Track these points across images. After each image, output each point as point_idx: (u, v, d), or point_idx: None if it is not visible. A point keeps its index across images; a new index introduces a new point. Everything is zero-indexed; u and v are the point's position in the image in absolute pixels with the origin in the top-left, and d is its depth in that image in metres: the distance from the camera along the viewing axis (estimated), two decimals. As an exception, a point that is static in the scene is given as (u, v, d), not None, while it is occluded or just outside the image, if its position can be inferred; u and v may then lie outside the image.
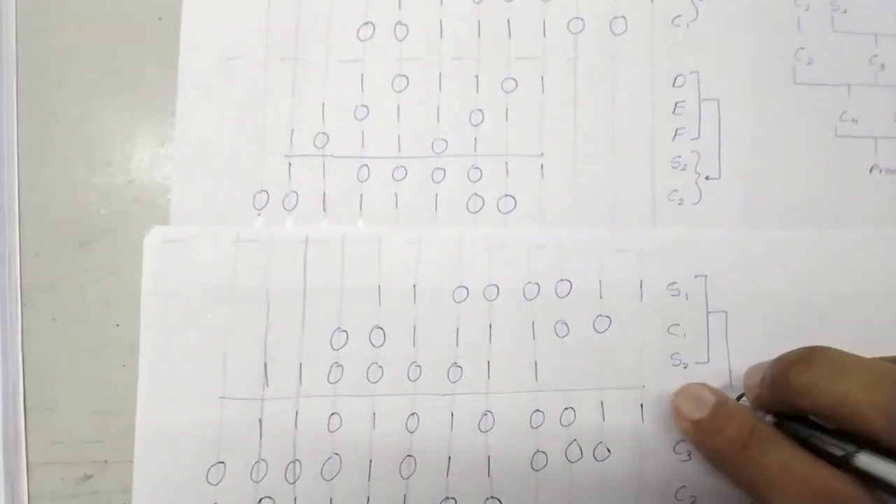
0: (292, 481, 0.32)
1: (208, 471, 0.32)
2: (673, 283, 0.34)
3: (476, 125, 0.35)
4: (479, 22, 0.35)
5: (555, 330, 0.33)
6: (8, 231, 0.33)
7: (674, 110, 0.35)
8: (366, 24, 0.35)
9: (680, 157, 0.35)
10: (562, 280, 0.34)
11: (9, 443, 0.32)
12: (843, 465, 0.26)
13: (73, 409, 0.33)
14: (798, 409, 0.28)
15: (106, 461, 0.32)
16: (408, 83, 0.35)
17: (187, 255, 0.33)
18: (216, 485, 0.32)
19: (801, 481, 0.26)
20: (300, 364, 0.33)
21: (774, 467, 0.27)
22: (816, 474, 0.26)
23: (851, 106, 0.36)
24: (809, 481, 0.26)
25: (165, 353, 0.32)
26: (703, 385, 0.32)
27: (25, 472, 0.32)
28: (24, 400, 0.32)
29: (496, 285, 0.33)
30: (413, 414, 0.33)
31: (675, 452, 0.33)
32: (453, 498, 0.32)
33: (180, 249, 0.33)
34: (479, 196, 0.34)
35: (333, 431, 0.32)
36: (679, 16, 0.36)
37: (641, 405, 0.33)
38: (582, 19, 0.35)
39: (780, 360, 0.29)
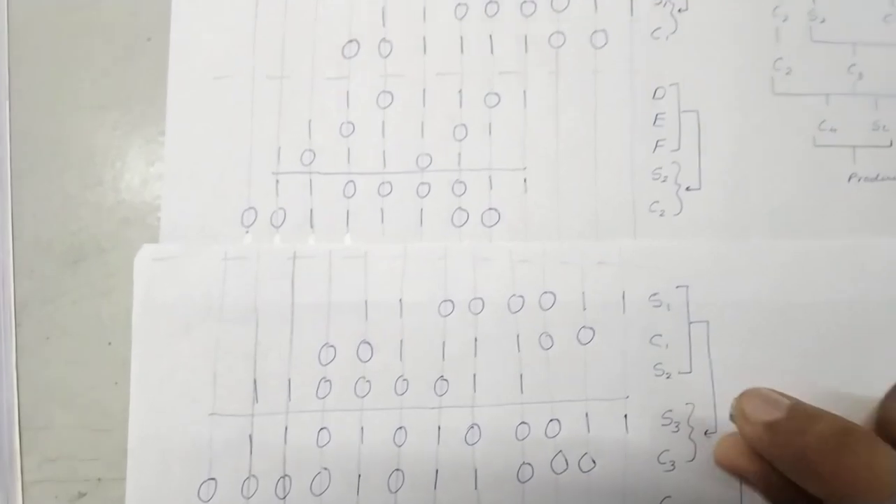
0: (282, 496, 0.30)
1: (200, 487, 0.30)
2: (655, 294, 0.32)
3: (460, 140, 0.33)
4: (461, 38, 0.34)
5: (539, 342, 0.32)
6: (1, 250, 0.32)
7: (654, 122, 0.34)
8: (350, 41, 0.33)
9: (661, 168, 0.33)
10: (546, 292, 0.32)
11: (3, 461, 0.30)
12: None
13: (67, 426, 0.31)
14: None
15: (100, 479, 0.31)
16: (392, 99, 0.33)
17: (177, 273, 0.31)
18: (208, 501, 0.30)
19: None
20: (289, 380, 0.31)
21: (884, 470, 0.22)
22: None
23: (830, 115, 0.34)
24: None
25: (156, 370, 0.31)
26: (772, 389, 0.29)
27: (20, 491, 0.31)
28: (19, 418, 0.31)
29: (481, 298, 0.32)
30: (400, 428, 0.31)
31: (659, 462, 0.31)
32: (441, 511, 0.31)
33: (170, 267, 0.31)
34: (464, 210, 0.33)
35: (322, 446, 0.31)
36: (658, 28, 0.34)
37: (626, 416, 0.32)
38: (563, 34, 0.34)
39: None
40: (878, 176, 0.34)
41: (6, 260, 0.32)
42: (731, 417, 0.30)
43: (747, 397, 0.29)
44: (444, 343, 0.32)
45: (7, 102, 0.33)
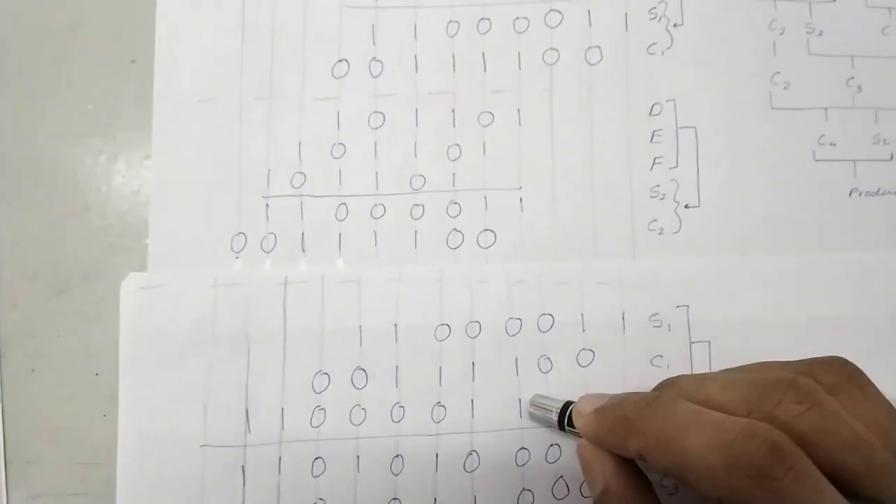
0: (276, 529, 0.30)
1: (191, 522, 0.29)
2: (655, 315, 0.32)
3: (454, 160, 0.32)
4: (453, 55, 0.33)
5: (538, 365, 0.31)
6: (-15, 280, 0.31)
7: (651, 139, 0.33)
8: (340, 61, 0.33)
9: (659, 186, 0.33)
10: (544, 314, 0.31)
11: (-11, 498, 0.29)
12: None
13: (55, 461, 0.30)
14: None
15: (88, 514, 0.30)
16: (384, 119, 0.33)
17: (165, 301, 0.31)
18: (199, 536, 0.29)
19: (720, 420, 0.23)
20: (282, 409, 0.30)
21: (687, 415, 0.24)
22: (732, 418, 0.23)
23: (829, 129, 0.34)
24: (727, 421, 0.23)
25: (145, 402, 0.30)
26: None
27: (7, 528, 0.30)
28: (4, 453, 0.30)
29: (478, 322, 0.31)
30: (397, 456, 0.30)
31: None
32: (440, 542, 0.30)
33: (158, 295, 0.31)
34: (459, 231, 0.32)
35: (317, 476, 0.30)
36: (654, 44, 0.34)
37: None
38: (556, 50, 0.33)
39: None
40: (879, 190, 0.33)
41: (-10, 289, 0.31)
42: (531, 416, 0.31)
43: (582, 399, 0.29)
44: (440, 368, 0.31)
45: (-10, 127, 0.32)
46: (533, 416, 0.31)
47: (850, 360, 0.26)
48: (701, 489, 0.23)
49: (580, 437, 0.28)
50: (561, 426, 0.29)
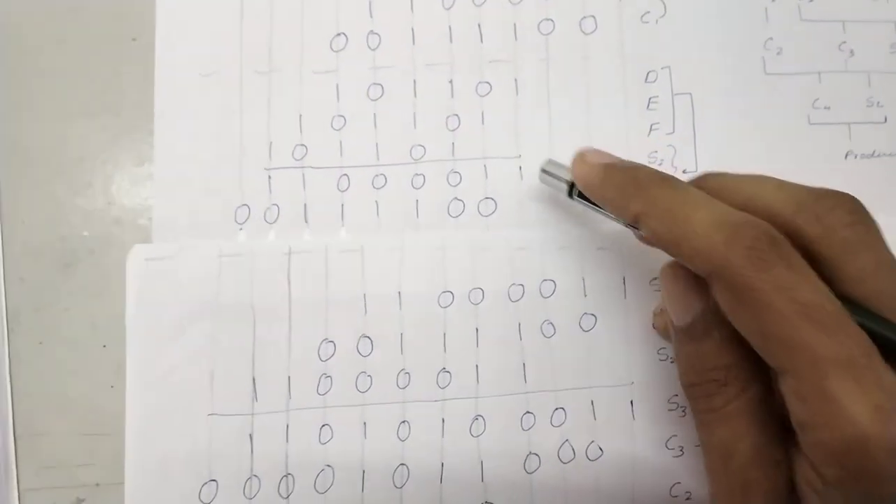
0: (286, 496, 0.30)
1: (200, 489, 0.29)
2: (655, 279, 0.32)
3: (453, 130, 0.32)
4: (450, 27, 0.33)
5: (541, 330, 0.31)
6: (-9, 257, 0.31)
7: (648, 106, 0.33)
8: (338, 34, 0.33)
9: (656, 151, 0.33)
10: (546, 280, 0.31)
11: (-1, 470, 0.29)
12: None
13: (63, 432, 0.30)
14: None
15: (98, 484, 0.30)
16: (383, 91, 0.33)
17: (170, 273, 0.31)
18: (209, 503, 0.29)
19: (726, 209, 0.23)
20: (288, 377, 0.30)
21: (698, 195, 0.24)
22: (739, 211, 0.23)
23: (823, 93, 0.34)
24: (735, 211, 0.23)
25: (152, 373, 0.30)
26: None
27: (17, 499, 0.30)
28: (13, 425, 0.30)
29: (481, 288, 0.31)
30: (404, 422, 0.30)
31: (667, 448, 0.31)
32: (448, 504, 0.30)
33: (163, 267, 0.31)
34: (460, 200, 0.32)
35: (325, 443, 0.30)
36: (648, 12, 0.34)
37: (631, 402, 0.31)
38: (552, 20, 0.33)
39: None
40: (874, 152, 0.33)
41: (-4, 266, 0.31)
42: (543, 175, 0.31)
43: (589, 148, 0.29)
44: (444, 335, 0.31)
45: (-7, 108, 0.32)
46: (543, 180, 0.30)
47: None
48: (692, 261, 0.23)
49: (588, 204, 0.29)
50: (570, 194, 0.29)
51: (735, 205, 0.24)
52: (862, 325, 0.21)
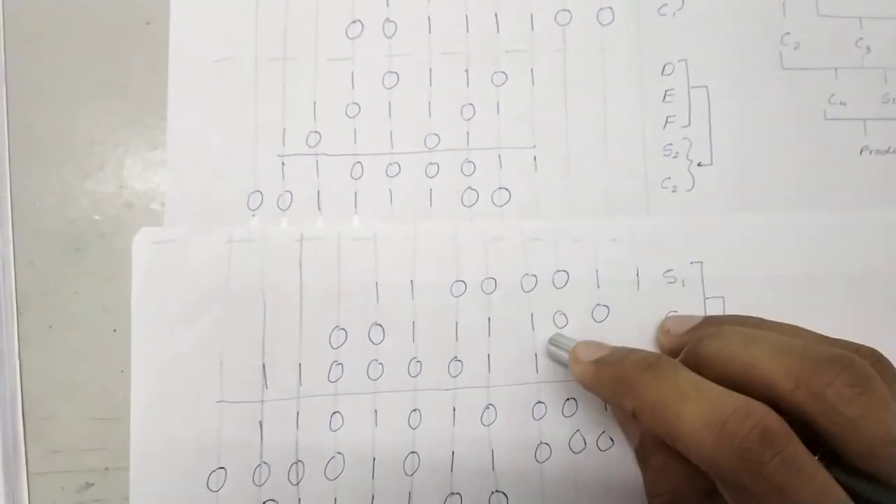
0: (296, 483, 0.29)
1: (209, 477, 0.29)
2: (669, 271, 0.31)
3: (468, 119, 0.32)
4: (466, 17, 0.33)
5: (554, 321, 0.31)
6: (1, 240, 0.31)
7: (664, 98, 0.33)
8: (354, 21, 0.33)
9: (671, 144, 0.33)
10: (559, 271, 0.31)
11: (8, 453, 0.29)
12: None
13: (72, 416, 0.30)
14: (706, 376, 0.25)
15: (107, 469, 0.30)
16: (398, 79, 0.32)
17: (179, 257, 0.30)
18: (217, 490, 0.29)
19: (719, 395, 0.23)
20: (299, 364, 0.30)
21: (687, 383, 0.24)
22: (731, 394, 0.23)
23: (839, 89, 0.34)
24: (727, 395, 0.23)
25: (160, 358, 0.30)
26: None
27: (26, 482, 0.29)
28: (22, 409, 0.30)
29: (493, 278, 0.31)
30: (415, 410, 0.30)
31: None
32: (458, 493, 0.30)
33: (171, 251, 0.30)
34: (474, 189, 0.32)
35: (335, 430, 0.30)
36: (665, 5, 0.34)
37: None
38: (569, 11, 0.33)
39: (691, 333, 0.28)
40: (889, 148, 0.33)
41: (6, 250, 0.31)
42: (548, 355, 0.31)
43: (580, 345, 0.29)
44: (457, 324, 0.31)
45: (4, 91, 0.32)
46: (550, 355, 0.30)
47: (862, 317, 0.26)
48: (690, 459, 0.23)
49: None
50: None
51: (732, 375, 0.24)
52: (870, 500, 0.21)
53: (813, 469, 0.21)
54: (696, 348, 0.26)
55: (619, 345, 0.28)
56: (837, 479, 0.22)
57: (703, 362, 0.26)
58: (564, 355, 0.29)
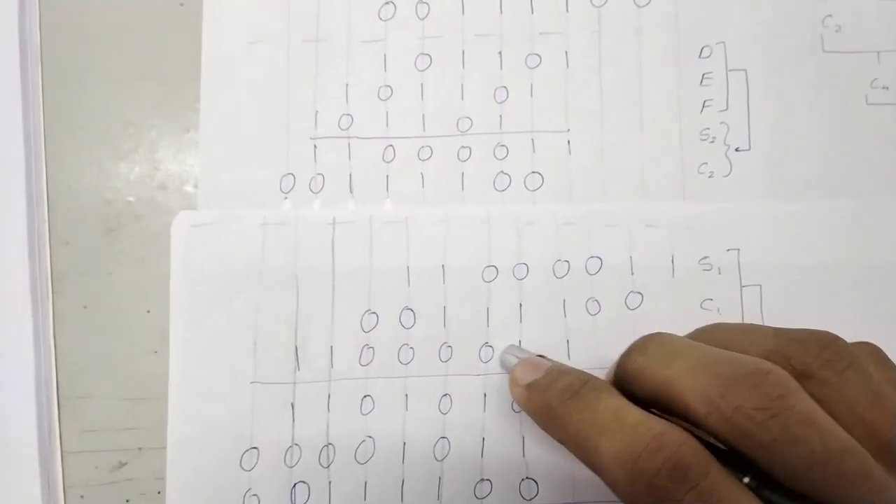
0: (326, 465, 0.29)
1: (242, 456, 0.29)
2: (705, 258, 0.31)
3: (501, 102, 0.32)
4: (501, -2, 0.32)
5: (586, 307, 0.31)
6: (37, 220, 0.31)
7: (701, 82, 0.32)
8: (387, 3, 0.32)
9: (709, 129, 0.32)
10: (592, 257, 0.31)
11: (43, 432, 0.29)
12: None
13: (106, 396, 0.30)
14: (636, 396, 0.25)
15: (140, 448, 0.30)
16: (431, 62, 0.32)
17: (215, 240, 0.30)
18: (250, 470, 0.29)
19: (635, 425, 0.22)
20: (331, 347, 0.30)
21: (606, 412, 0.23)
22: (650, 421, 0.22)
23: (882, 73, 0.33)
24: (643, 425, 0.22)
25: (196, 339, 0.30)
26: (544, 356, 0.29)
27: (60, 461, 0.30)
28: (57, 389, 0.30)
29: (525, 263, 0.31)
30: (445, 395, 0.30)
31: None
32: (489, 479, 0.30)
33: (208, 234, 0.30)
34: (506, 174, 0.31)
35: (366, 414, 0.30)
36: (704, -14, 0.33)
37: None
38: (605, -8, 0.32)
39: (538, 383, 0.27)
40: (933, 134, 0.32)
41: (42, 230, 0.31)
42: (501, 366, 0.30)
43: (518, 366, 0.28)
44: (488, 309, 0.31)
45: (40, 73, 0.32)
46: (503, 366, 0.30)
47: (836, 334, 0.24)
48: (687, 412, 0.22)
49: None
50: None
51: (653, 393, 0.24)
52: None
53: (734, 499, 0.20)
54: (623, 363, 0.26)
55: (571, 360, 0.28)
56: (770, 501, 0.21)
57: (630, 379, 0.25)
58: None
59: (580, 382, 0.25)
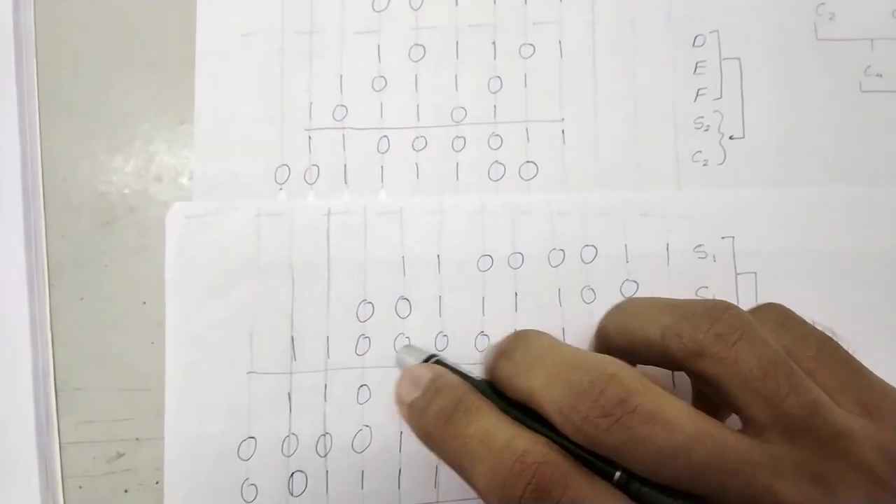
0: (323, 454, 0.29)
1: (239, 446, 0.29)
2: (700, 246, 0.31)
3: (495, 92, 0.32)
4: (494, -12, 0.32)
5: (581, 296, 0.31)
6: (33, 212, 0.31)
7: (695, 70, 0.32)
8: (381, -6, 0.32)
9: (703, 117, 0.32)
10: (587, 245, 0.31)
11: (41, 424, 0.30)
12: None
13: (103, 387, 0.30)
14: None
15: (137, 439, 0.30)
16: (425, 52, 0.32)
17: (210, 231, 0.30)
18: (247, 460, 0.29)
19: (500, 449, 0.22)
20: (327, 337, 0.30)
21: (475, 439, 0.23)
22: (514, 441, 0.22)
23: (875, 60, 0.33)
24: (507, 449, 0.22)
25: (192, 330, 0.30)
26: (424, 364, 0.27)
27: (58, 453, 0.30)
28: (54, 380, 0.30)
29: (520, 253, 0.31)
30: (441, 384, 0.30)
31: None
32: (485, 467, 0.30)
33: (203, 225, 0.30)
34: (501, 163, 0.32)
35: (363, 403, 0.30)
36: (697, -25, 0.33)
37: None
38: (599, -19, 0.32)
39: (492, 348, 0.26)
40: (927, 121, 0.33)
41: (38, 222, 0.31)
42: (398, 365, 0.29)
43: (399, 382, 0.27)
44: (483, 298, 0.31)
45: (35, 64, 0.32)
46: (399, 366, 0.29)
47: (730, 303, 0.23)
48: (551, 422, 0.22)
49: None
50: None
51: (522, 400, 0.23)
52: None
53: (600, 502, 0.21)
54: (492, 368, 0.26)
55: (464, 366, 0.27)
56: (640, 495, 0.21)
57: (500, 385, 0.25)
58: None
59: (452, 406, 0.24)
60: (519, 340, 0.26)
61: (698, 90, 0.32)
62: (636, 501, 0.21)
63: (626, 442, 0.21)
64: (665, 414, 0.21)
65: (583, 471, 0.21)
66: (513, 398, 0.24)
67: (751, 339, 0.22)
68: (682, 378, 0.25)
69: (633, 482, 0.21)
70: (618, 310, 0.27)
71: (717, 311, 0.23)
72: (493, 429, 0.23)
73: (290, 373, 0.30)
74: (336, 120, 0.32)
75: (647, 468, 0.21)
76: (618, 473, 0.21)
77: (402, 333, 0.30)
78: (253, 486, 0.29)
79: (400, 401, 0.26)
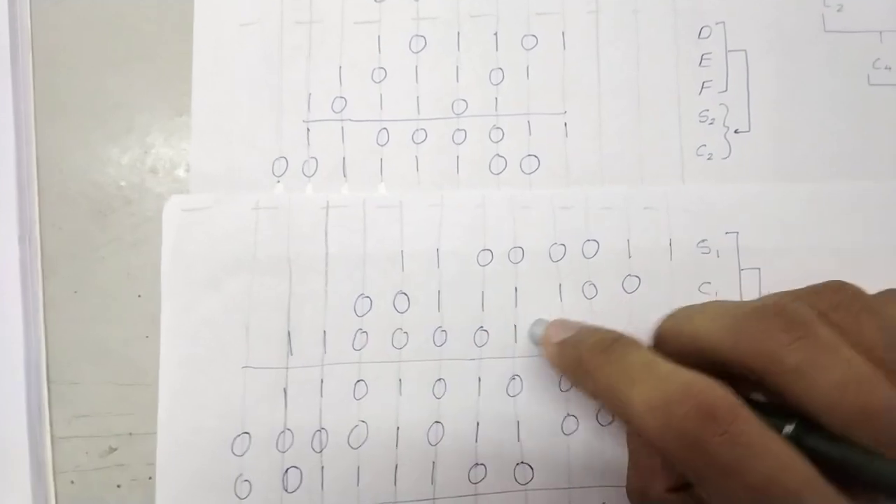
0: (319, 450, 0.29)
1: (233, 441, 0.29)
2: (703, 241, 0.30)
3: (496, 84, 0.31)
4: (496, -22, 0.32)
5: (583, 291, 0.30)
6: (28, 204, 0.31)
7: (700, 63, 0.32)
8: (381, -16, 0.32)
9: (707, 110, 0.31)
10: (589, 240, 0.30)
11: (33, 417, 0.29)
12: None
13: (96, 381, 0.30)
14: (670, 356, 0.24)
15: (130, 433, 0.30)
16: (425, 43, 0.32)
17: (207, 224, 0.30)
18: (241, 455, 0.29)
19: (666, 373, 0.23)
20: (324, 331, 0.30)
21: (637, 364, 0.24)
22: (678, 371, 0.22)
23: (884, 53, 0.32)
24: (674, 373, 0.22)
25: (187, 324, 0.29)
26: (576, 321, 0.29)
27: (50, 447, 0.29)
28: (48, 374, 0.30)
29: (521, 247, 0.30)
30: (440, 379, 0.30)
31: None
32: (483, 464, 0.29)
33: (200, 218, 0.30)
34: (502, 157, 0.31)
35: (359, 399, 0.29)
36: (703, -35, 0.32)
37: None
38: (602, -28, 0.32)
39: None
40: (936, 115, 0.32)
41: (33, 214, 0.31)
42: (530, 338, 0.29)
43: (551, 325, 0.28)
44: (483, 293, 0.30)
45: (30, 56, 0.32)
46: (531, 339, 0.29)
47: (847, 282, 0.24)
48: (647, 442, 0.23)
49: None
50: None
51: (683, 349, 0.24)
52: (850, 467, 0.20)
53: (765, 445, 0.20)
54: (656, 329, 0.27)
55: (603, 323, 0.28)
56: (813, 448, 0.21)
57: (661, 340, 0.27)
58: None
59: (611, 339, 0.25)
60: (681, 308, 0.28)
61: (703, 83, 0.32)
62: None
63: (805, 362, 0.21)
64: (845, 348, 0.21)
65: (752, 411, 0.21)
66: (674, 350, 0.25)
67: (874, 310, 0.23)
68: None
69: (805, 437, 0.21)
70: (669, 316, 0.28)
71: (838, 285, 0.24)
72: (655, 360, 0.24)
73: (286, 367, 0.29)
74: (335, 112, 0.31)
75: (824, 402, 0.21)
76: (789, 427, 0.21)
77: (400, 328, 0.30)
78: (247, 483, 0.29)
79: (547, 342, 0.28)
